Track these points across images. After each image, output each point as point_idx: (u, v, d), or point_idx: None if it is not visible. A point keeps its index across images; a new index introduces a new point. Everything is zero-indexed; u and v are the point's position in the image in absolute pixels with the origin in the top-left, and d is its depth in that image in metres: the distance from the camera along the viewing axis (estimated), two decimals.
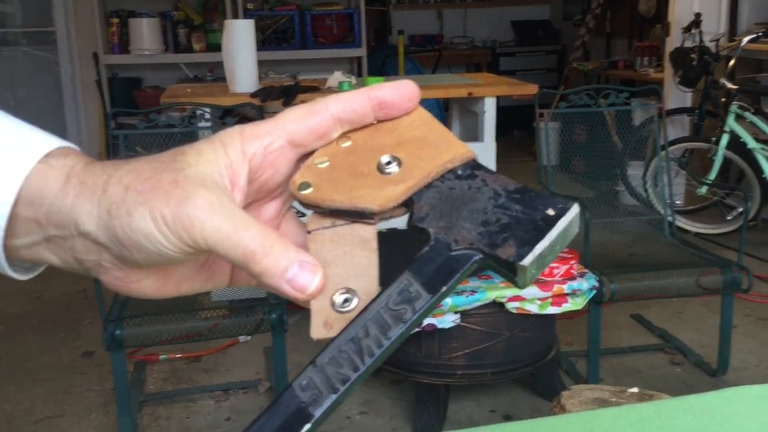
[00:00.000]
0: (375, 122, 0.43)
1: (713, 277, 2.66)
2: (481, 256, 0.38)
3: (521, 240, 0.37)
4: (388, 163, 0.41)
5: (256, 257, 0.38)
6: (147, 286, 0.43)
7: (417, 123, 0.42)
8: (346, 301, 0.40)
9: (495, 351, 2.45)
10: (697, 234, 4.37)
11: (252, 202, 0.43)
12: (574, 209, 0.38)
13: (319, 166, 0.41)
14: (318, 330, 0.40)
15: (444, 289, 0.38)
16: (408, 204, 0.40)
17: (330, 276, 0.40)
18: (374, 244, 0.40)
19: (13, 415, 2.69)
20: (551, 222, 0.37)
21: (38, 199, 0.40)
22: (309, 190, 0.41)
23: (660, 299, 3.15)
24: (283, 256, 0.38)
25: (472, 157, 0.41)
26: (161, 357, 3.04)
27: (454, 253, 0.38)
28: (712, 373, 2.82)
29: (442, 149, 0.41)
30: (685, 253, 2.91)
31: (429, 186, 0.40)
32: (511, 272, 0.38)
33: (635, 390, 1.69)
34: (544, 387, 2.66)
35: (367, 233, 0.41)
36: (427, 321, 2.26)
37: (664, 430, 0.84)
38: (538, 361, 2.53)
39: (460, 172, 0.41)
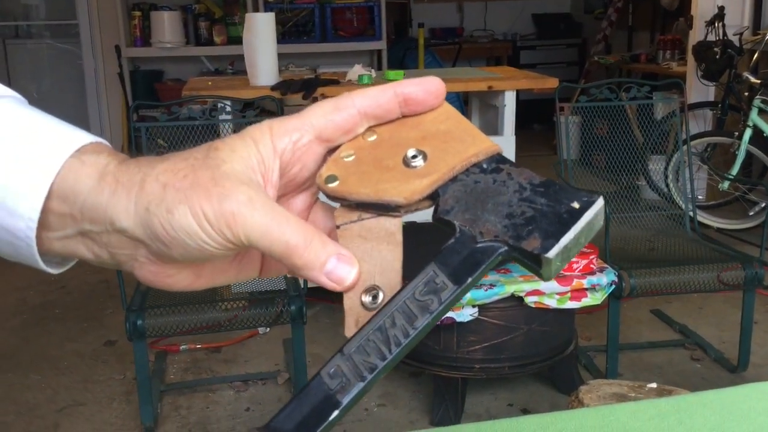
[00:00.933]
0: (400, 117, 0.43)
1: (734, 272, 2.64)
2: (506, 248, 0.38)
3: (546, 232, 0.37)
4: (414, 156, 0.41)
5: (297, 251, 0.39)
6: (181, 280, 0.43)
7: (442, 117, 0.43)
8: (373, 298, 0.40)
9: (513, 345, 2.45)
10: (719, 229, 4.33)
11: (281, 195, 0.44)
12: (599, 202, 0.38)
13: (346, 159, 0.42)
14: (351, 329, 0.40)
15: (469, 280, 0.38)
16: (433, 197, 0.41)
17: (361, 271, 0.41)
18: (399, 237, 0.41)
19: (36, 404, 2.73)
20: (576, 215, 0.38)
21: (72, 195, 0.40)
22: (335, 183, 0.41)
23: (680, 294, 3.13)
24: (323, 249, 0.39)
25: (497, 150, 0.41)
26: (182, 347, 3.07)
27: (479, 245, 0.39)
28: (732, 369, 2.80)
29: (467, 143, 0.41)
30: (706, 248, 2.89)
31: (454, 179, 0.41)
32: (536, 264, 0.38)
33: (654, 385, 1.69)
34: (563, 381, 2.66)
35: (392, 226, 0.41)
36: (445, 314, 2.26)
37: (682, 425, 0.84)
38: (556, 355, 2.53)
39: (485, 165, 0.41)
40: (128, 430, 2.55)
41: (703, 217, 4.23)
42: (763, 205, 4.20)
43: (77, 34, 5.97)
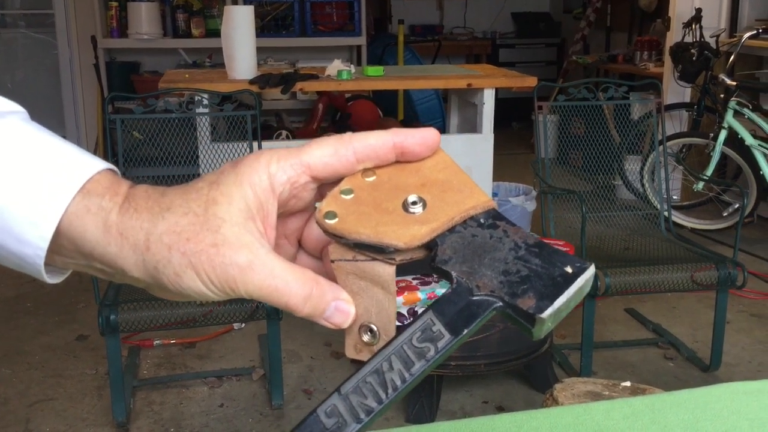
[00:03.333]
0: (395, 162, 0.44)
1: (708, 272, 2.67)
2: (501, 303, 0.40)
3: (541, 293, 0.39)
4: (414, 203, 0.42)
5: (297, 309, 0.42)
6: (195, 297, 0.46)
7: (440, 166, 0.44)
8: (371, 336, 0.43)
9: (489, 343, 2.45)
10: (693, 229, 4.38)
11: (279, 216, 0.45)
12: (591, 269, 0.40)
13: (344, 197, 0.43)
14: (350, 351, 0.43)
15: (465, 331, 0.40)
16: (430, 246, 0.42)
17: (357, 305, 0.43)
18: (393, 288, 0.42)
19: (6, 398, 2.69)
20: (569, 279, 0.39)
21: (80, 240, 0.42)
22: (335, 221, 0.42)
23: (654, 294, 3.16)
24: (321, 300, 0.42)
25: (493, 206, 0.43)
26: (155, 342, 3.05)
27: (475, 298, 0.40)
28: (705, 368, 2.83)
29: (465, 195, 0.43)
30: (681, 248, 2.92)
31: (452, 230, 0.42)
32: (529, 323, 0.39)
33: (628, 384, 1.70)
34: (538, 379, 2.67)
35: (386, 275, 0.42)
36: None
37: (656, 424, 0.85)
38: (531, 353, 2.54)
39: (482, 220, 0.42)
40: (100, 425, 2.52)
41: (677, 218, 4.27)
42: (737, 206, 4.25)
43: (53, 24, 5.88)
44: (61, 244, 0.43)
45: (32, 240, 0.42)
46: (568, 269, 0.39)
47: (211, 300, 0.43)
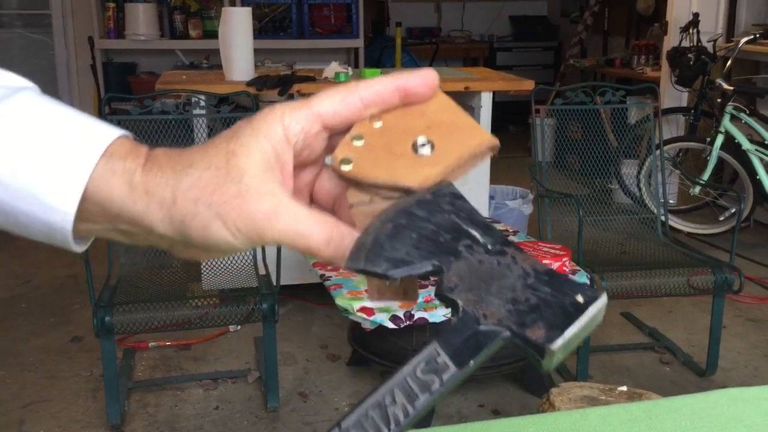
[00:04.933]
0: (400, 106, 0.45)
1: (704, 277, 2.67)
2: (509, 333, 0.39)
3: (551, 323, 0.38)
4: (423, 145, 0.44)
5: (320, 251, 0.44)
6: (217, 254, 0.47)
7: (443, 108, 0.45)
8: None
9: None
10: (689, 234, 4.38)
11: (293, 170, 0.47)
12: (603, 298, 0.39)
13: (356, 143, 0.44)
14: (373, 295, 0.44)
15: (471, 363, 0.38)
16: (436, 272, 0.41)
17: None
18: None
19: (0, 400, 2.68)
20: (581, 309, 0.38)
21: (107, 202, 0.44)
22: (350, 167, 0.44)
23: (650, 298, 3.16)
24: (342, 243, 0.43)
25: (496, 143, 0.44)
26: (151, 344, 3.04)
27: (482, 328, 0.39)
28: (701, 372, 2.83)
29: (469, 135, 0.44)
30: (677, 252, 2.92)
31: (458, 257, 0.41)
32: (538, 354, 0.38)
33: (624, 388, 1.70)
34: (534, 383, 2.67)
35: None
36: (418, 315, 2.26)
37: (653, 430, 0.84)
38: (527, 357, 2.53)
39: (489, 246, 0.41)
40: (94, 427, 2.51)
41: (674, 222, 4.28)
42: (733, 210, 4.26)
43: (50, 25, 5.87)
44: (87, 209, 0.44)
45: (60, 206, 0.43)
46: (579, 298, 0.38)
47: (236, 250, 0.44)
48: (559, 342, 0.37)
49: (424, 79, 0.45)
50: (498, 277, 0.40)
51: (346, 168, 0.44)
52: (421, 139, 0.44)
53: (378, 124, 0.45)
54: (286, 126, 0.44)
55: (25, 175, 0.43)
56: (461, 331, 0.39)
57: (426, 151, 0.43)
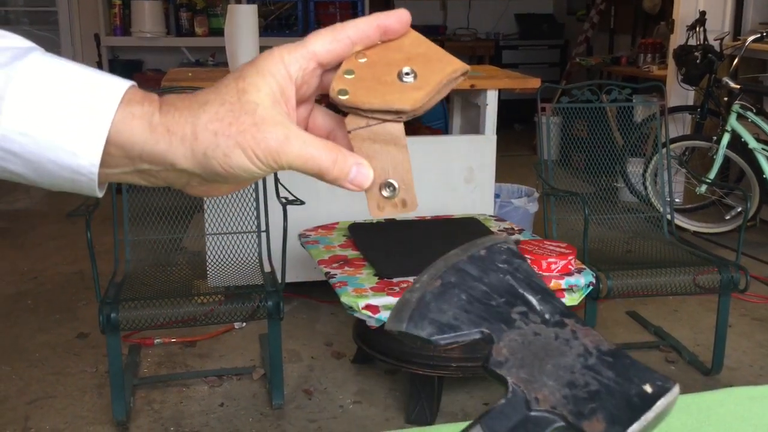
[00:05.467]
0: (379, 42, 0.51)
1: (710, 276, 2.66)
2: (563, 424, 0.35)
3: (612, 416, 0.34)
4: (407, 74, 0.49)
5: (328, 171, 0.49)
6: (226, 189, 0.54)
7: (417, 42, 0.51)
8: (390, 190, 0.48)
9: None
10: (696, 233, 4.37)
11: None
12: (675, 390, 0.34)
13: (348, 77, 0.49)
14: (374, 211, 0.49)
15: None
16: (487, 340, 0.38)
17: (375, 168, 0.48)
18: (404, 141, 0.49)
19: (6, 396, 2.69)
20: (648, 401, 0.34)
21: (129, 144, 0.48)
22: (347, 96, 0.49)
23: (656, 297, 3.15)
24: (345, 164, 0.49)
25: (468, 69, 0.50)
26: (156, 341, 3.04)
27: (533, 414, 0.35)
28: (707, 371, 2.82)
29: (444, 63, 0.50)
30: (683, 251, 2.91)
31: (510, 325, 0.38)
32: None
33: None
34: None
35: (396, 131, 0.49)
36: None
37: (659, 429, 0.84)
38: None
39: (547, 316, 0.38)
40: (100, 424, 2.52)
41: (680, 221, 4.27)
42: (740, 209, 4.24)
43: (56, 22, 5.89)
44: (109, 152, 0.48)
45: (86, 151, 0.47)
46: (648, 388, 0.34)
47: (256, 177, 0.49)
48: None
49: (399, 16, 0.51)
50: (555, 354, 0.36)
51: (343, 98, 0.48)
52: (405, 69, 0.49)
53: (363, 60, 0.50)
54: (287, 64, 0.49)
55: (50, 125, 0.46)
56: (509, 415, 0.35)
57: (410, 79, 0.48)
